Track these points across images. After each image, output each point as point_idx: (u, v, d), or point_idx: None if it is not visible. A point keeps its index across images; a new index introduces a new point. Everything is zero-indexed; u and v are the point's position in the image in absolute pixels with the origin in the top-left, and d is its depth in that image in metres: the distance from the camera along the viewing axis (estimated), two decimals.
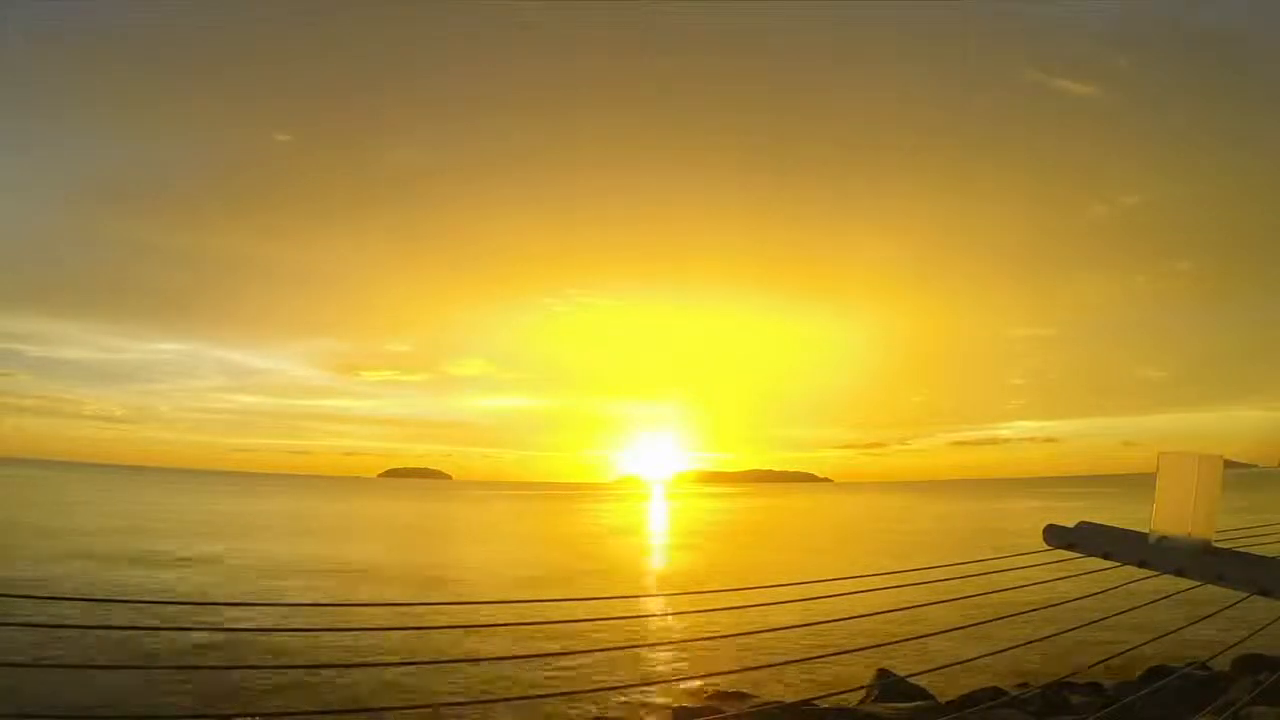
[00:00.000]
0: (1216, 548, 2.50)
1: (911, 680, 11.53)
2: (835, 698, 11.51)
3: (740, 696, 12.13)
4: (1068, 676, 10.89)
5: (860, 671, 12.52)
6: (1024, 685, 11.33)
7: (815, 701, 11.27)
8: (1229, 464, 2.59)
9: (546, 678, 12.84)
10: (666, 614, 14.08)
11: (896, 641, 12.69)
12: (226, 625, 15.22)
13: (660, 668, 13.62)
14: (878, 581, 5.31)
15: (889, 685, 11.39)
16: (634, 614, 15.06)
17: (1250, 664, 10.45)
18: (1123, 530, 2.67)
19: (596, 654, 13.22)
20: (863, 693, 11.53)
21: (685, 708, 11.31)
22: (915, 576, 4.58)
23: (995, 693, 10.79)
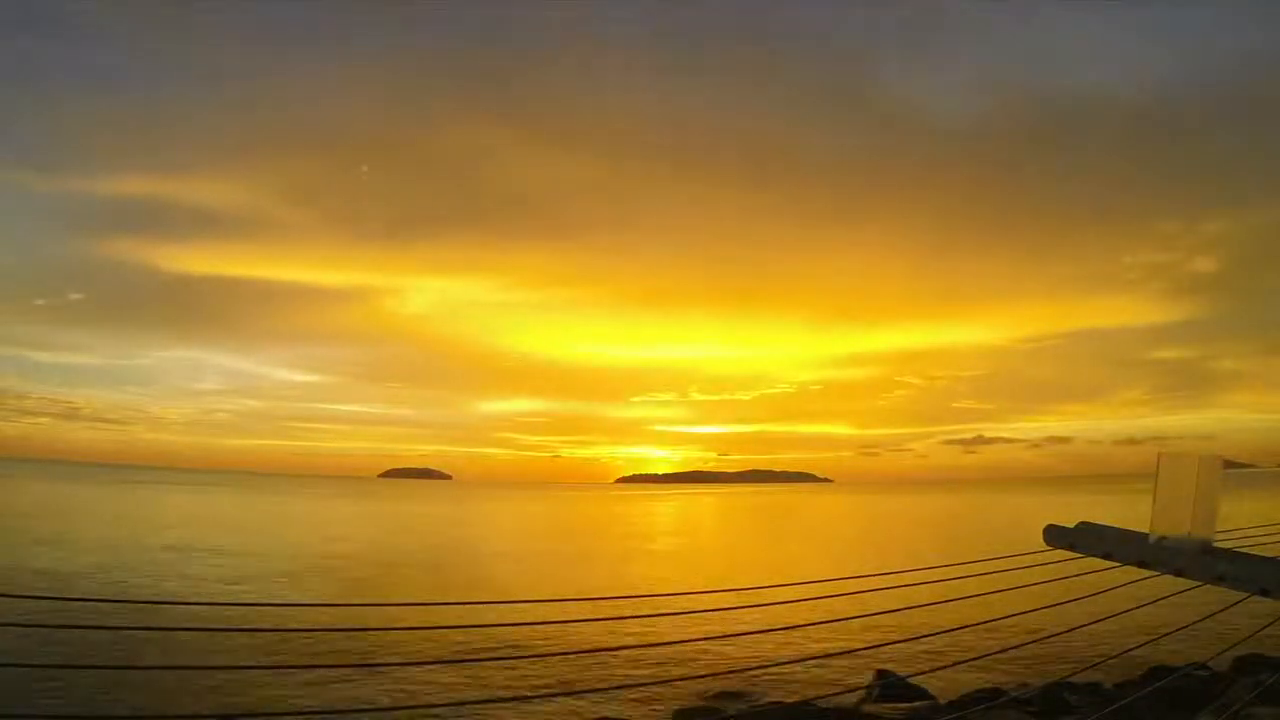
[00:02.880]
0: (1216, 548, 2.50)
1: (911, 680, 11.52)
2: (835, 698, 11.50)
3: (740, 696, 12.13)
4: (1068, 676, 10.87)
5: (860, 671, 12.51)
6: (1024, 685, 11.32)
7: (815, 701, 11.26)
8: (1229, 465, 2.58)
9: (547, 678, 12.83)
10: (666, 614, 14.07)
11: (896, 641, 12.68)
12: (226, 625, 15.22)
13: (661, 667, 13.60)
14: (878, 581, 5.29)
15: (889, 685, 11.38)
16: (634, 614, 15.04)
17: (1250, 664, 10.45)
18: (1123, 530, 2.67)
19: (596, 654, 13.22)
20: (863, 693, 11.53)
21: (685, 708, 11.31)
22: (915, 576, 4.57)
23: (995, 693, 10.79)
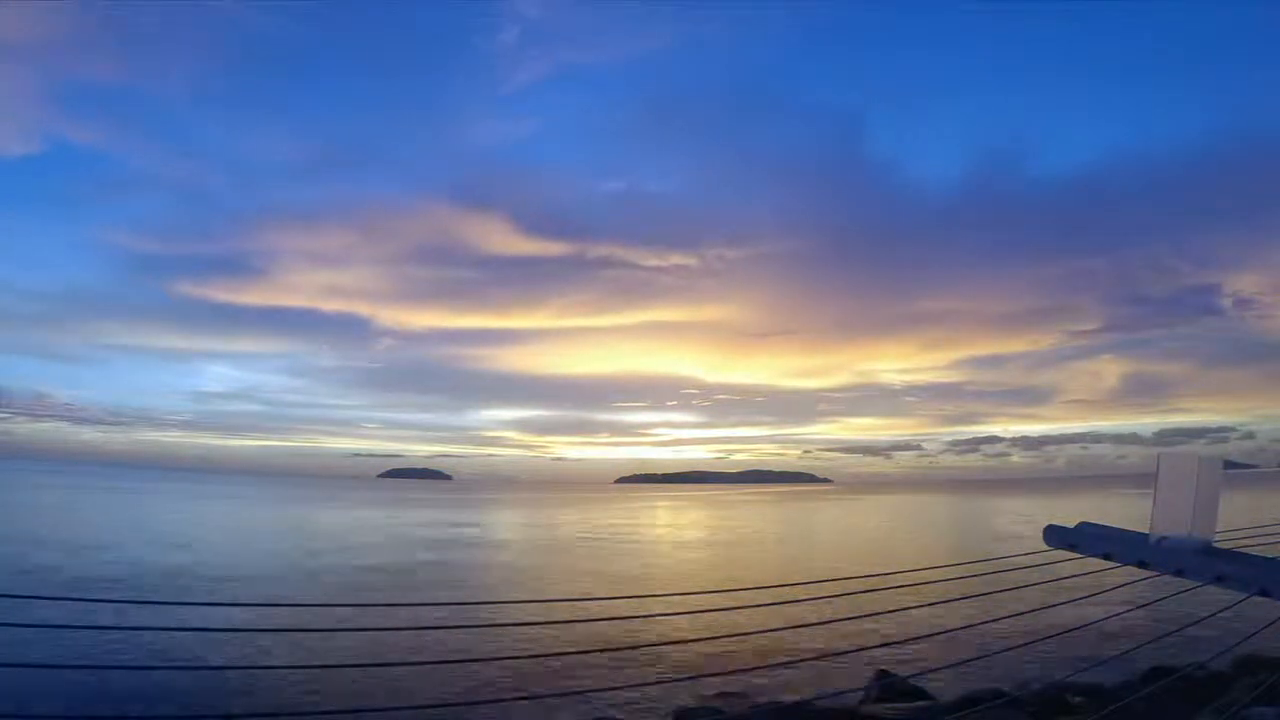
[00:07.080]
0: (1216, 548, 2.51)
1: (911, 680, 11.52)
2: (835, 698, 11.51)
3: (740, 696, 12.13)
4: (1068, 676, 10.87)
5: (860, 671, 12.51)
6: (1024, 685, 11.32)
7: (815, 701, 11.26)
8: (1229, 465, 2.59)
9: (548, 678, 12.83)
10: (667, 614, 14.08)
11: (897, 641, 12.68)
12: (226, 625, 15.22)
13: (661, 668, 13.60)
14: (878, 582, 5.30)
15: (889, 685, 11.38)
16: (635, 614, 15.04)
17: (1250, 664, 10.43)
18: (1123, 531, 2.67)
19: (597, 654, 13.21)
20: (862, 693, 11.53)
21: (685, 708, 11.31)
22: (916, 577, 4.57)
23: (995, 693, 10.78)
